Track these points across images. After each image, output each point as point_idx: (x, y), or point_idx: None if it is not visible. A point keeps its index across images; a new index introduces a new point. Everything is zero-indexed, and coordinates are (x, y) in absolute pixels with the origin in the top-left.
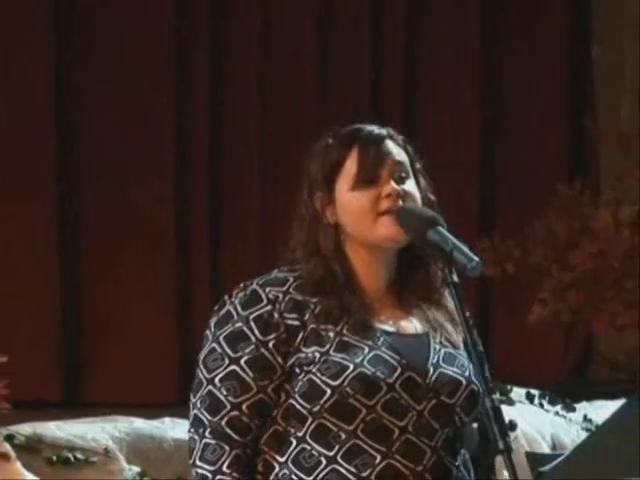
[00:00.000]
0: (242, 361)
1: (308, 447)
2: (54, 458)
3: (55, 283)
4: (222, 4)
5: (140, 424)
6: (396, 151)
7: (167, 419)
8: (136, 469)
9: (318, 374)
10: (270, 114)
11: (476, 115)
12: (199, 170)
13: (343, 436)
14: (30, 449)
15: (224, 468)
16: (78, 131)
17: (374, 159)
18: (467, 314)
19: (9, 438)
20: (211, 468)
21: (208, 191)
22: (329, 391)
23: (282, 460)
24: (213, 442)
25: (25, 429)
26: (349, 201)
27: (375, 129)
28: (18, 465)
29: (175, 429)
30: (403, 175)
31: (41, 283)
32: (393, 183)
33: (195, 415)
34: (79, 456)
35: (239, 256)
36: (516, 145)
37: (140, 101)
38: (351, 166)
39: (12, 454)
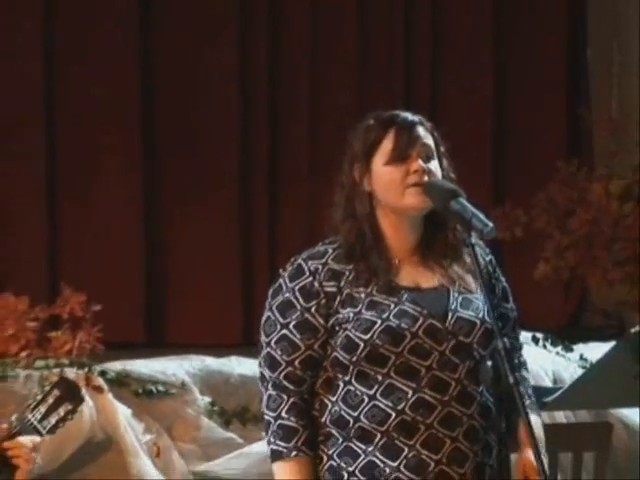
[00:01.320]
0: (291, 325)
1: (353, 388)
2: (139, 390)
3: (140, 240)
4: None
5: (210, 362)
6: (424, 135)
7: (233, 358)
8: (207, 399)
9: (352, 330)
10: (320, 98)
11: (491, 106)
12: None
13: (379, 378)
14: (119, 383)
15: (283, 414)
16: (159, 93)
17: (406, 141)
18: (482, 269)
19: (102, 374)
20: (273, 414)
21: (267, 154)
22: (362, 344)
23: (333, 400)
24: (274, 393)
25: (115, 366)
26: (383, 173)
27: (409, 116)
28: (110, 396)
29: (240, 366)
30: (429, 155)
31: (128, 239)
32: (420, 161)
33: (260, 373)
34: (160, 389)
35: (295, 215)
36: (524, 130)
37: (206, 69)
38: (387, 144)
39: (105, 387)
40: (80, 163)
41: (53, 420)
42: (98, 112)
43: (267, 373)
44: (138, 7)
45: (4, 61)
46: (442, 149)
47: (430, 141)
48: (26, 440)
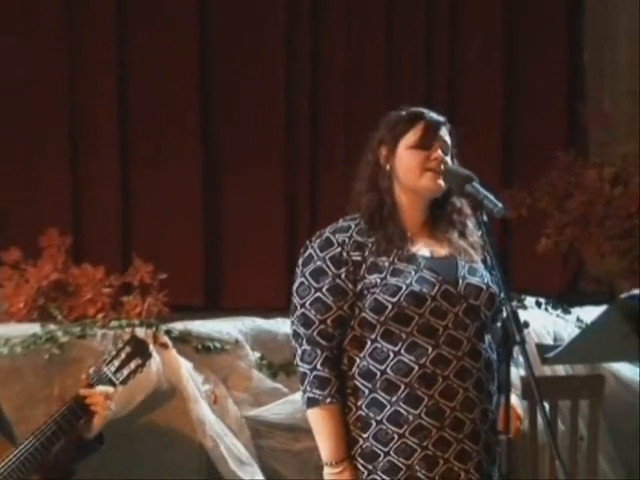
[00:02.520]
0: (324, 289)
1: (379, 345)
2: (199, 347)
3: (199, 214)
4: None
5: (260, 322)
6: (445, 134)
7: (279, 319)
8: (257, 354)
9: (381, 294)
10: (355, 85)
11: (500, 101)
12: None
13: (403, 336)
14: (182, 340)
15: (318, 366)
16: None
17: (432, 135)
18: (494, 244)
19: (167, 332)
20: (308, 367)
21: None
22: (390, 306)
23: (361, 355)
24: (309, 348)
25: (178, 326)
26: (406, 156)
27: (435, 115)
28: (174, 352)
29: (284, 326)
30: (445, 151)
31: (188, 213)
32: (440, 151)
33: (294, 330)
34: (217, 345)
35: (331, 191)
36: (529, 123)
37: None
38: (413, 134)
39: (170, 344)
40: (149, 137)
41: (125, 372)
42: (165, 86)
43: (301, 331)
44: None
45: (83, 46)
46: (454, 150)
47: (449, 140)
48: (102, 390)
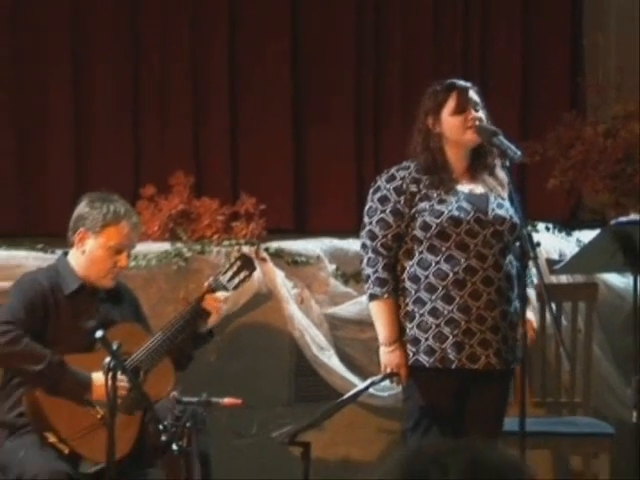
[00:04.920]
0: (387, 212)
1: (424, 256)
2: (290, 260)
3: (291, 153)
4: None
5: (336, 242)
6: (474, 95)
7: (350, 239)
8: (333, 266)
9: (428, 217)
10: (408, 62)
11: (520, 74)
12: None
13: (443, 249)
14: (277, 255)
15: (379, 270)
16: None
17: (464, 99)
18: (514, 183)
19: (266, 249)
20: (372, 270)
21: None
22: (434, 225)
23: (410, 263)
24: (373, 256)
25: (274, 245)
26: (450, 121)
27: (463, 83)
28: (271, 264)
29: (355, 244)
30: (478, 109)
31: (282, 152)
32: (474, 112)
33: (363, 242)
34: (303, 259)
35: (391, 137)
36: (542, 90)
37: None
38: (451, 102)
39: (267, 258)
40: (252, 95)
41: (236, 281)
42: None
43: (368, 243)
44: None
45: None
46: (484, 103)
47: (478, 100)
48: (219, 294)
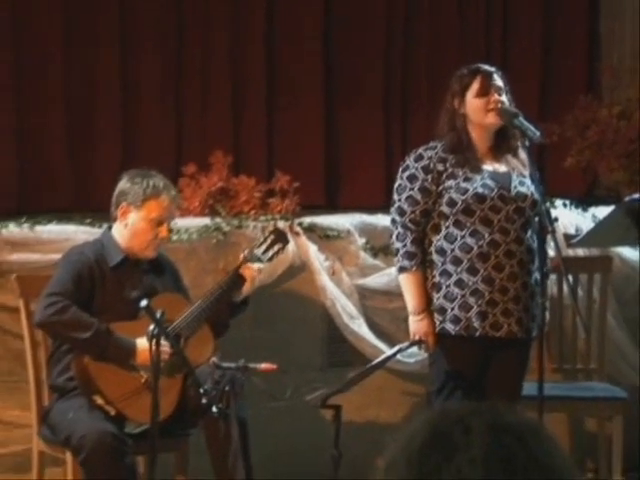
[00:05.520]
0: (415, 189)
1: (451, 230)
2: (322, 234)
3: (322, 133)
4: None
5: (365, 217)
6: (498, 79)
7: (379, 215)
8: (363, 240)
9: (454, 193)
10: (434, 48)
11: (539, 60)
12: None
13: (468, 224)
14: (309, 230)
15: (408, 244)
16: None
17: (488, 83)
18: (534, 162)
19: (299, 224)
20: (401, 244)
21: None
22: (460, 201)
23: (437, 237)
24: (402, 231)
25: (307, 220)
26: (474, 103)
27: (488, 67)
28: (304, 238)
29: (384, 219)
30: (501, 92)
31: (315, 133)
32: (497, 95)
33: (392, 218)
34: (334, 234)
35: (418, 120)
36: (561, 75)
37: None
38: (475, 85)
39: (301, 232)
40: (287, 76)
41: (270, 253)
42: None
43: (398, 218)
44: None
45: None
46: (507, 87)
47: (502, 84)
48: (254, 265)
